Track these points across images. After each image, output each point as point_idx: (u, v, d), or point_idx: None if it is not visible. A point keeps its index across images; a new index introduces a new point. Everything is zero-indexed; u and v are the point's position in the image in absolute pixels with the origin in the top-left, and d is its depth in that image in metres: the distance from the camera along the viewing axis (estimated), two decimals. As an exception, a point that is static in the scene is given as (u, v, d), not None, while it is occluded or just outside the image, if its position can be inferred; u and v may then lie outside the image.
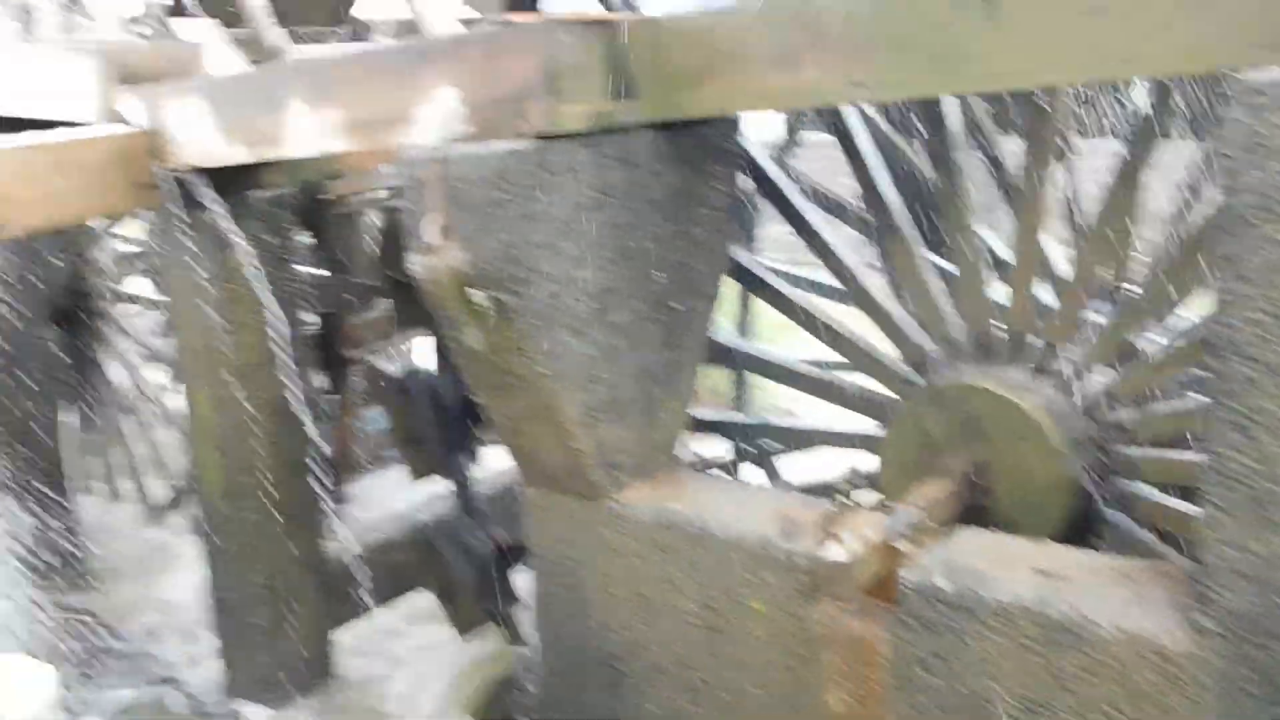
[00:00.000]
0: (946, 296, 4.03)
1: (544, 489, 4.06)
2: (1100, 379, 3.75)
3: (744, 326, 5.94)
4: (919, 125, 4.78)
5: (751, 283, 4.53)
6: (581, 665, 4.12)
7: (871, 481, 4.07)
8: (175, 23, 6.09)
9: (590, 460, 3.80)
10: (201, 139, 4.68)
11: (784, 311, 4.41)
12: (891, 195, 4.16)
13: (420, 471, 5.54)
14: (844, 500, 3.38)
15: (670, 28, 3.65)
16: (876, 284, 4.31)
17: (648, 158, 3.77)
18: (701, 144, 3.96)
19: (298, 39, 6.38)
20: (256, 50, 5.92)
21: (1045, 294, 4.38)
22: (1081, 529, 3.64)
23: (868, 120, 4.52)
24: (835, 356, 4.38)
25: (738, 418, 5.40)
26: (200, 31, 5.88)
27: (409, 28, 6.77)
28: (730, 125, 4.11)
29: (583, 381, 3.71)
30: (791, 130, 5.79)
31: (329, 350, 6.01)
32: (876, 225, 4.36)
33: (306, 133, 4.27)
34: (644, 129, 3.73)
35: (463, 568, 5.20)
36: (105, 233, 7.70)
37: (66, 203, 4.70)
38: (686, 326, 4.05)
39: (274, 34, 5.91)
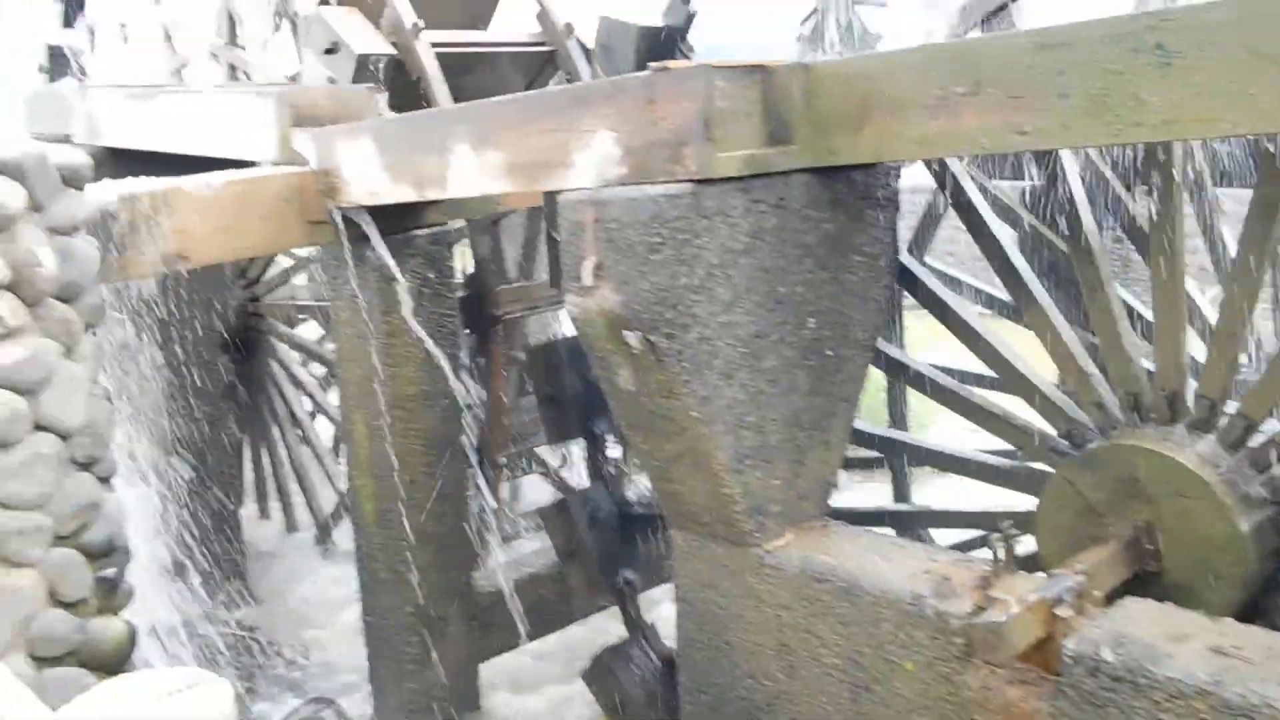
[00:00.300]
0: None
1: (690, 532, 4.03)
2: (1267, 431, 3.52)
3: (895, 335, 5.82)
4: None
5: (911, 285, 4.46)
6: (722, 714, 4.06)
7: (1022, 525, 3.90)
8: None
9: (738, 506, 3.75)
10: (370, 178, 4.87)
11: (943, 321, 4.33)
12: (1019, 261, 4.08)
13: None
14: (1000, 560, 3.23)
15: (826, 73, 3.61)
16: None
17: (801, 202, 3.72)
18: (857, 189, 3.89)
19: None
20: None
21: (1196, 347, 4.19)
22: (1262, 599, 3.41)
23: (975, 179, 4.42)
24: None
25: (888, 433, 5.28)
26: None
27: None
28: (887, 170, 4.03)
29: (732, 426, 3.67)
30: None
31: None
32: (1009, 290, 4.26)
33: (469, 174, 4.38)
34: (798, 173, 3.69)
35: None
36: (276, 264, 8.07)
37: (244, 237, 4.95)
38: (838, 374, 3.97)
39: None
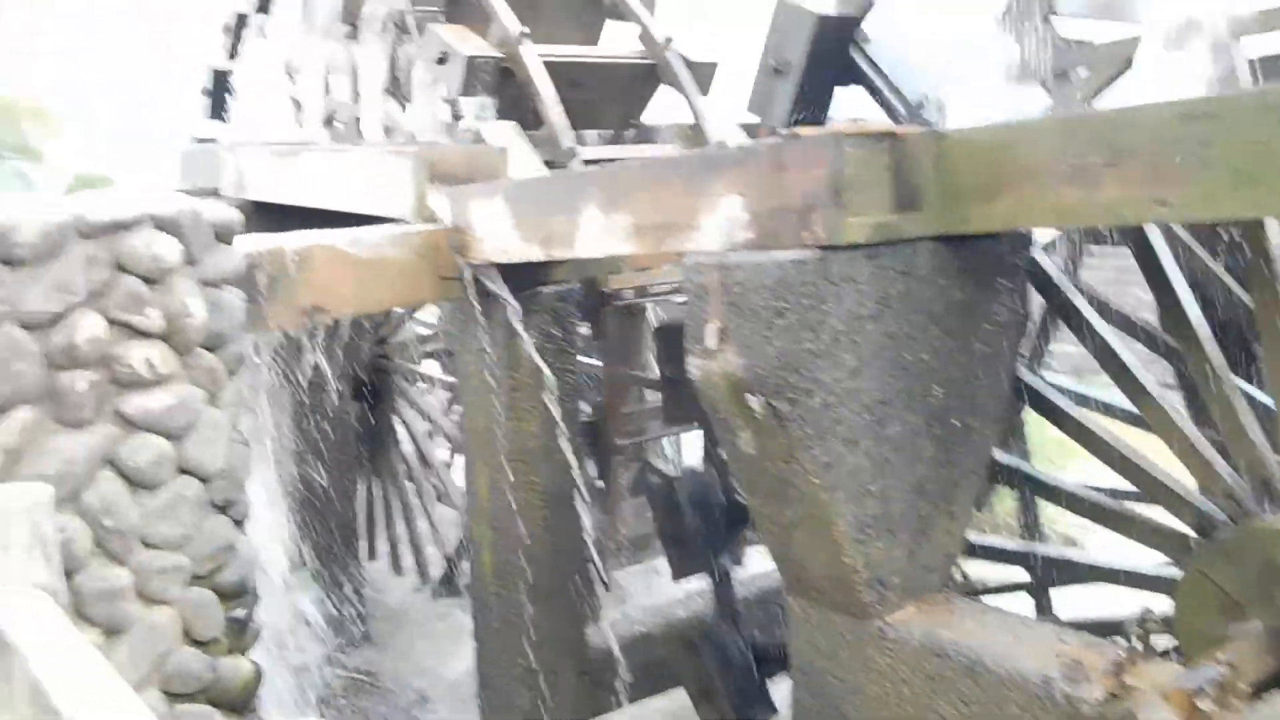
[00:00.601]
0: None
1: (809, 601, 3.95)
2: None
3: (1021, 444, 5.67)
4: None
5: (1036, 401, 4.33)
6: (838, 789, 3.96)
7: (1167, 625, 3.73)
8: (483, 126, 6.55)
9: (859, 576, 3.67)
10: (500, 236, 4.99)
11: (1071, 434, 4.18)
12: (1129, 358, 3.96)
13: (681, 571, 5.55)
14: (1137, 645, 3.09)
15: (958, 141, 3.57)
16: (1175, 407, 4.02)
17: (929, 269, 3.66)
18: (986, 257, 3.82)
19: (589, 141, 6.75)
20: (553, 150, 6.29)
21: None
22: None
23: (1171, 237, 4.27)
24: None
25: (1019, 545, 5.11)
26: (503, 135, 6.29)
27: (693, 132, 7.01)
28: (1018, 239, 3.95)
29: (855, 494, 3.61)
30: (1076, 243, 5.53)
31: (601, 439, 6.18)
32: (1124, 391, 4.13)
33: (597, 235, 4.45)
34: (927, 241, 3.65)
35: (720, 672, 5.12)
36: (406, 318, 8.30)
37: (380, 292, 5.12)
38: (964, 444, 3.87)
39: (569, 137, 6.28)
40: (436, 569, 8.09)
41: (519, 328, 5.16)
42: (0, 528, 2.98)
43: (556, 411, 5.30)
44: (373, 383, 8.07)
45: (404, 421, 8.20)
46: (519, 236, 4.90)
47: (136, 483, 3.73)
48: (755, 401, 3.54)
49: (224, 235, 4.07)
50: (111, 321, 3.68)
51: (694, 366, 3.70)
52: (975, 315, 3.83)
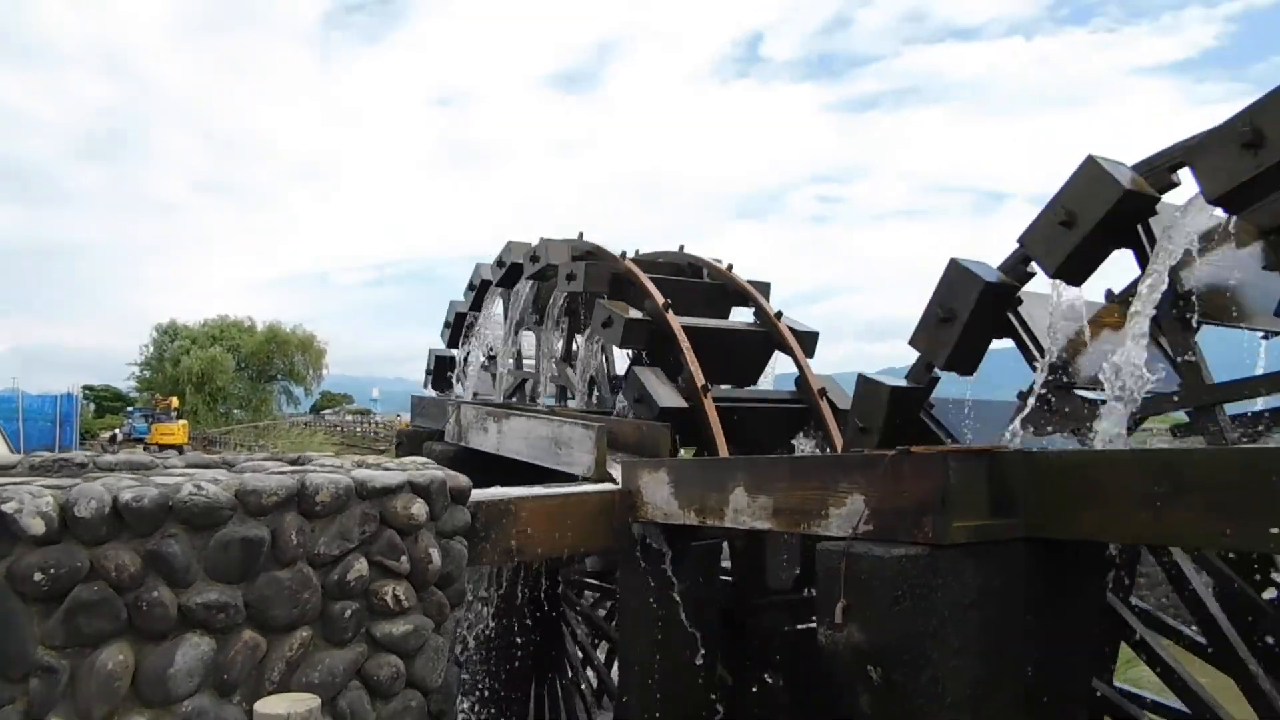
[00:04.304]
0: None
1: None
2: None
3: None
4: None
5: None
6: None
7: None
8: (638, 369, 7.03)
9: (961, 830, 3.61)
10: (663, 502, 5.28)
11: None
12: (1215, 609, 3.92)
13: None
14: None
15: (1047, 461, 3.75)
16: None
17: (1022, 566, 3.77)
18: (1072, 556, 3.90)
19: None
20: (689, 390, 6.69)
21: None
22: None
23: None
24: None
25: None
26: (650, 375, 6.86)
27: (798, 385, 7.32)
28: (1100, 544, 4.02)
29: (958, 760, 3.61)
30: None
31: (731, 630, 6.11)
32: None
33: (741, 510, 4.70)
34: (1019, 541, 3.76)
35: None
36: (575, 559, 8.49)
37: (565, 539, 5.39)
38: (1055, 716, 3.84)
39: (701, 378, 6.68)
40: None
41: (672, 575, 5.38)
42: (286, 731, 3.28)
43: (700, 640, 5.44)
44: (546, 604, 8.23)
45: (572, 634, 8.28)
46: (678, 504, 5.18)
47: (376, 693, 4.00)
48: (874, 672, 3.64)
49: (459, 498, 4.47)
50: (373, 563, 4.05)
51: (823, 636, 3.83)
52: (1062, 605, 3.89)
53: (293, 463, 4.82)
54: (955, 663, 3.60)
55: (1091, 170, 4.63)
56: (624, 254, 8.38)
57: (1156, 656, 4.35)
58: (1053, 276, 4.76)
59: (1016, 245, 5.05)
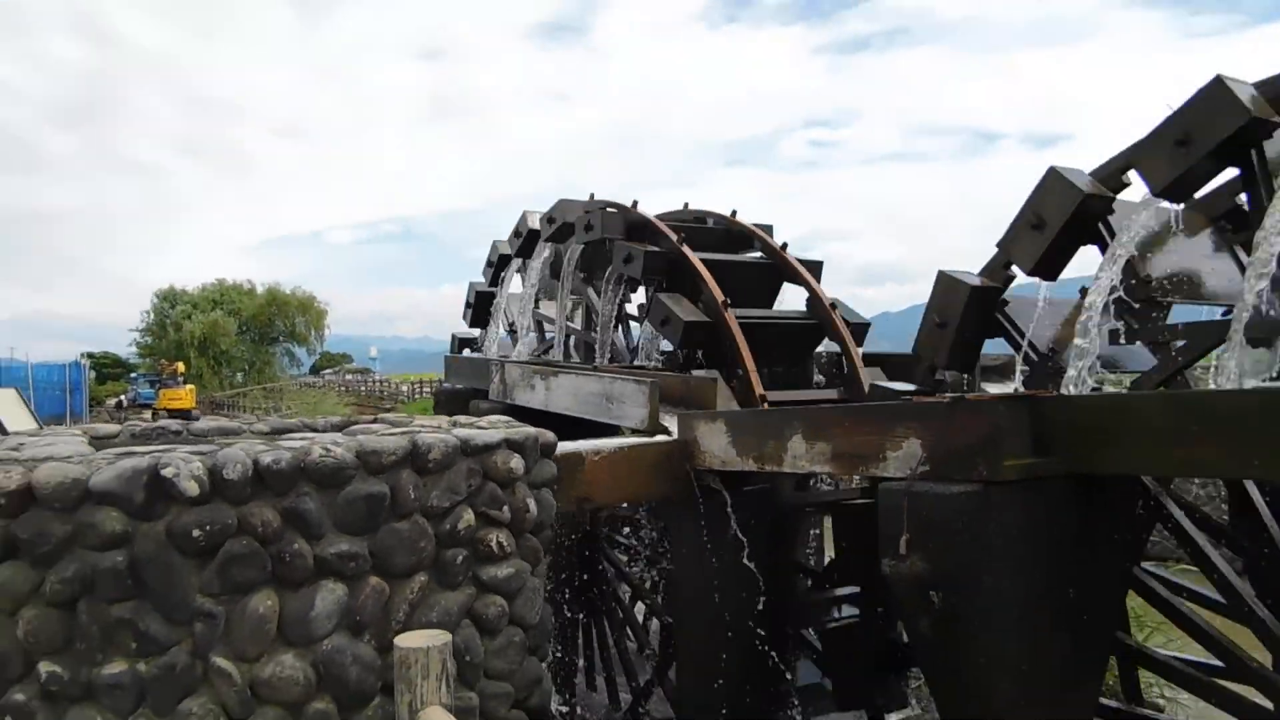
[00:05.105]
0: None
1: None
2: None
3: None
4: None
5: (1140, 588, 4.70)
6: None
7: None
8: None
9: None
10: (721, 450, 5.65)
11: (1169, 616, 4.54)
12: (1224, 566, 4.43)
13: (845, 703, 5.90)
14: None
15: (1084, 404, 4.12)
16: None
17: (1064, 499, 4.15)
18: (1109, 489, 4.29)
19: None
20: (745, 393, 7.01)
21: None
22: None
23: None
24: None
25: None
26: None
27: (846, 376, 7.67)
28: (1132, 480, 4.41)
29: (1008, 671, 4.02)
30: None
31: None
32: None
33: (800, 456, 5.07)
34: (1060, 479, 4.14)
35: None
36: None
37: (628, 488, 5.77)
38: (1092, 634, 4.27)
39: (759, 384, 6.98)
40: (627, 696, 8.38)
41: (731, 519, 5.78)
42: (426, 662, 3.67)
43: (753, 578, 5.86)
44: (588, 548, 8.64)
45: (609, 574, 8.69)
46: (735, 451, 5.55)
47: (484, 630, 4.39)
48: (935, 596, 4.04)
49: (547, 452, 4.84)
50: (478, 514, 4.42)
51: (887, 566, 4.23)
52: (1101, 534, 4.28)
53: (339, 428, 5.18)
54: (1005, 585, 4.00)
55: (1053, 179, 5.39)
56: (635, 203, 8.70)
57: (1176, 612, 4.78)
58: (1029, 274, 5.46)
59: (995, 249, 5.72)
